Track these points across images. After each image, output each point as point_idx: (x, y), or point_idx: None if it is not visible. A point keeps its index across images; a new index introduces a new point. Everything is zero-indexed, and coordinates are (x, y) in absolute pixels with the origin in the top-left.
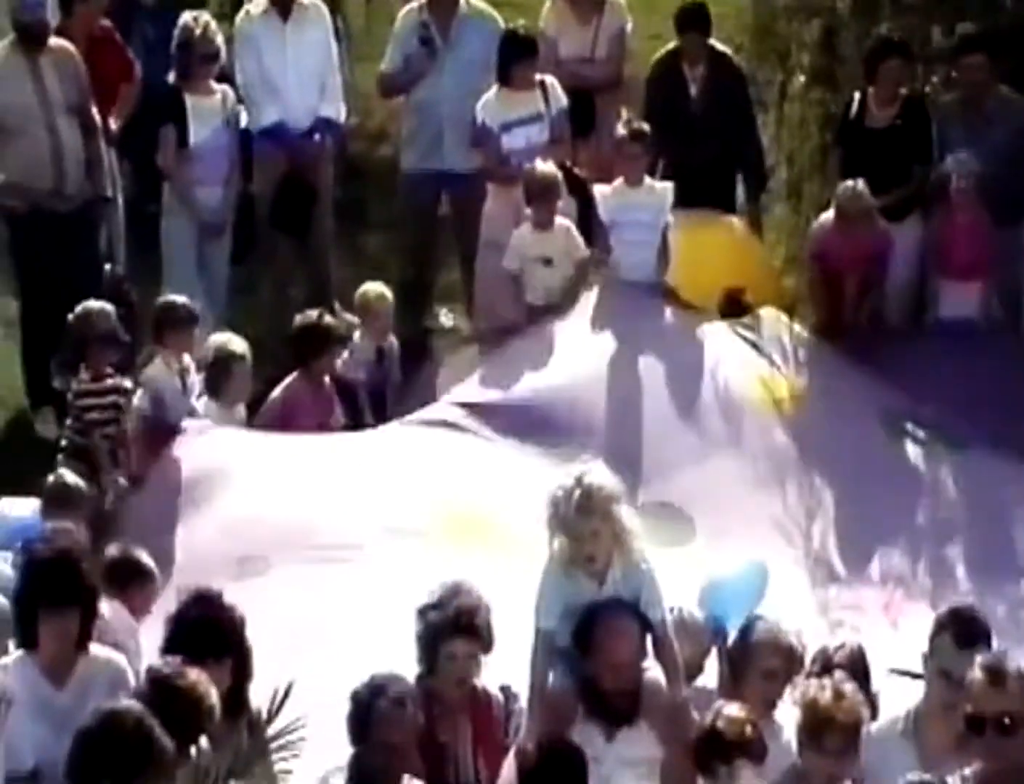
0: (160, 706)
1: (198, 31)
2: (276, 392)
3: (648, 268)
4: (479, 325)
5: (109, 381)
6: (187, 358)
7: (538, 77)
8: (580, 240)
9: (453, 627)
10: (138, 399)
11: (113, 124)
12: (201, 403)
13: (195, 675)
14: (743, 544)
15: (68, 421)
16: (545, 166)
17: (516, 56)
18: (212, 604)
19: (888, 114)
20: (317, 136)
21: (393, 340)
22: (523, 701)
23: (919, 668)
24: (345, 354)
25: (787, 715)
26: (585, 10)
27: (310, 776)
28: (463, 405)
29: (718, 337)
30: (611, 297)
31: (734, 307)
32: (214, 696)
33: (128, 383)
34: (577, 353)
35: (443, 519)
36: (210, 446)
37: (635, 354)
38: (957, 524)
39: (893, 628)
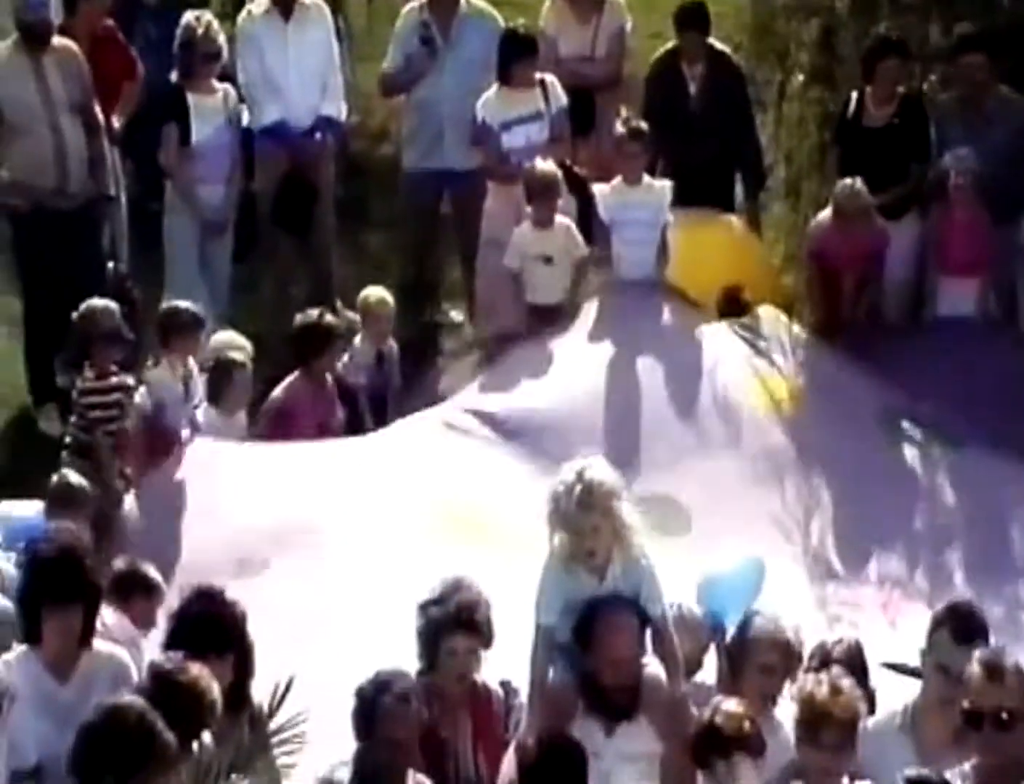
0: (162, 701)
1: (200, 30)
2: (277, 391)
3: (647, 266)
4: (480, 323)
5: (113, 379)
6: (192, 363)
7: (538, 76)
8: (580, 239)
9: (454, 623)
10: (139, 398)
11: (116, 123)
12: (201, 410)
13: (197, 670)
14: (740, 539)
15: (72, 419)
16: (545, 164)
17: (516, 55)
18: (214, 600)
19: (886, 113)
20: (318, 135)
21: (393, 344)
22: (523, 696)
23: (914, 664)
24: (345, 357)
25: (786, 711)
26: (585, 9)
27: (312, 771)
28: (463, 410)
29: (717, 339)
30: (611, 302)
31: (733, 305)
32: (216, 691)
33: (131, 380)
34: (577, 362)
35: (443, 517)
36: (211, 452)
37: (634, 359)
38: (955, 525)
39: (891, 627)
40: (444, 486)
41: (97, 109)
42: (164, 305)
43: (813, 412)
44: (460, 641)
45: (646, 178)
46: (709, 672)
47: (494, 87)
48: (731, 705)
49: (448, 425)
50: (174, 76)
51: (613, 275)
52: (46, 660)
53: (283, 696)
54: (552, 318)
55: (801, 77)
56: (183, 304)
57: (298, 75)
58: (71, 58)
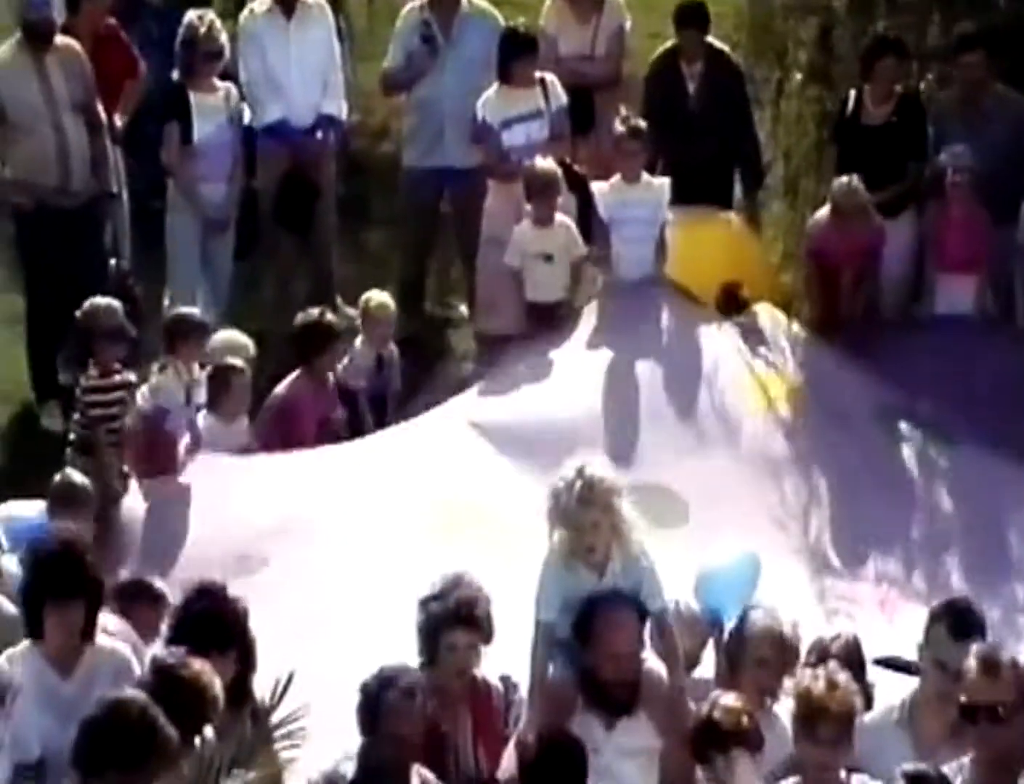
0: (164, 696)
1: (202, 29)
2: (279, 389)
3: (646, 264)
4: (480, 321)
5: (117, 377)
6: (196, 369)
7: (538, 74)
8: (579, 237)
9: (454, 618)
10: (140, 400)
11: (118, 121)
12: (201, 416)
13: (199, 665)
14: (737, 530)
15: (76, 416)
16: (545, 163)
17: (516, 53)
18: (216, 597)
19: (884, 111)
20: (320, 133)
21: (393, 348)
22: (523, 692)
23: (908, 659)
24: (345, 360)
25: (787, 707)
26: (584, 8)
27: (313, 765)
28: (463, 412)
29: (715, 338)
30: (610, 304)
31: (731, 302)
32: (218, 686)
33: (134, 377)
34: (577, 363)
35: (443, 517)
36: (213, 457)
37: (633, 360)
38: (952, 525)
39: (889, 623)
40: (444, 486)
41: (99, 108)
42: (170, 312)
43: (811, 410)
44: (460, 636)
45: (645, 176)
46: (707, 668)
47: (494, 86)
48: (729, 700)
49: (448, 427)
50: (176, 75)
51: (612, 274)
52: (49, 655)
53: (284, 691)
54: (552, 316)
55: (799, 76)
56: (189, 311)
57: (300, 74)
58: (74, 57)
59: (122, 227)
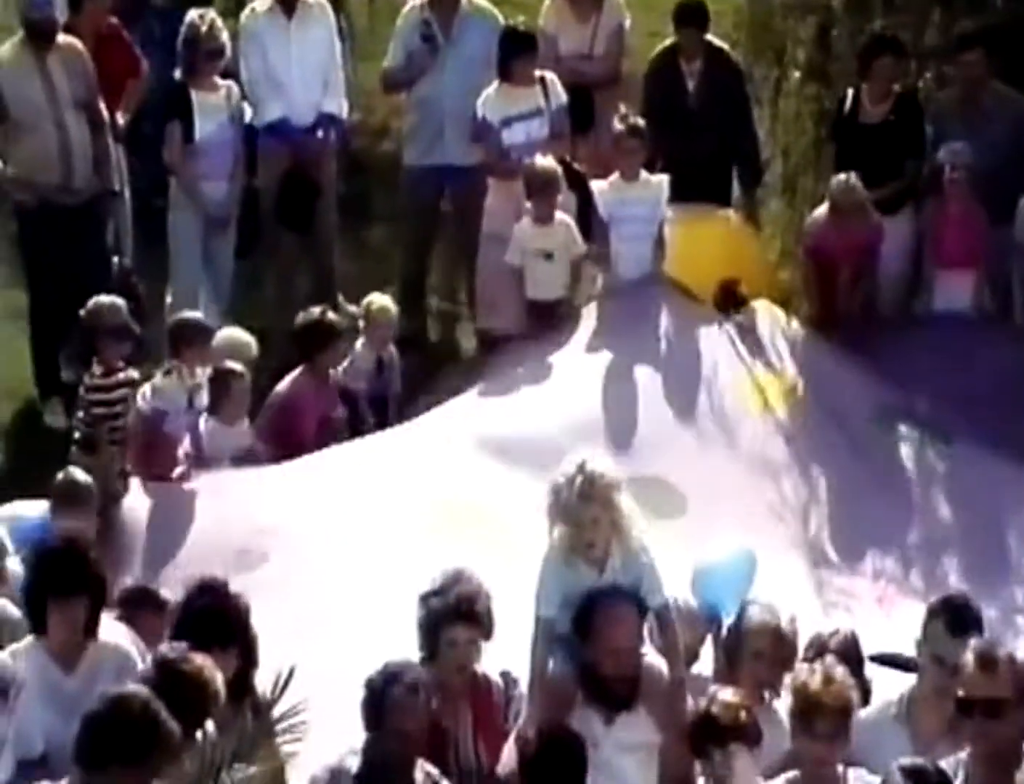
0: (166, 690)
1: (204, 28)
2: (280, 386)
3: (645, 262)
4: (481, 318)
5: (121, 375)
6: (199, 373)
7: (538, 73)
8: (579, 235)
9: (454, 613)
10: (140, 401)
11: (120, 119)
12: (202, 420)
13: (201, 660)
14: (735, 525)
15: (79, 414)
16: (545, 161)
17: (516, 52)
18: (218, 593)
19: (882, 110)
20: (320, 132)
21: (393, 351)
22: (523, 687)
23: (905, 653)
24: (345, 363)
25: (785, 702)
26: (584, 8)
27: (313, 759)
28: (463, 413)
29: (713, 339)
30: (609, 304)
31: (729, 300)
32: (219, 681)
33: (136, 374)
34: (576, 363)
35: (443, 515)
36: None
37: (633, 360)
38: (949, 524)
39: (886, 618)
40: (444, 487)
41: (102, 106)
42: (175, 316)
43: (809, 407)
44: (460, 632)
45: (643, 174)
46: (706, 663)
47: (495, 84)
48: (727, 695)
49: (449, 427)
50: (178, 73)
51: (611, 272)
52: (52, 651)
53: (285, 685)
54: (552, 314)
55: (797, 74)
56: (194, 315)
57: (300, 72)
58: (76, 56)
59: (124, 225)
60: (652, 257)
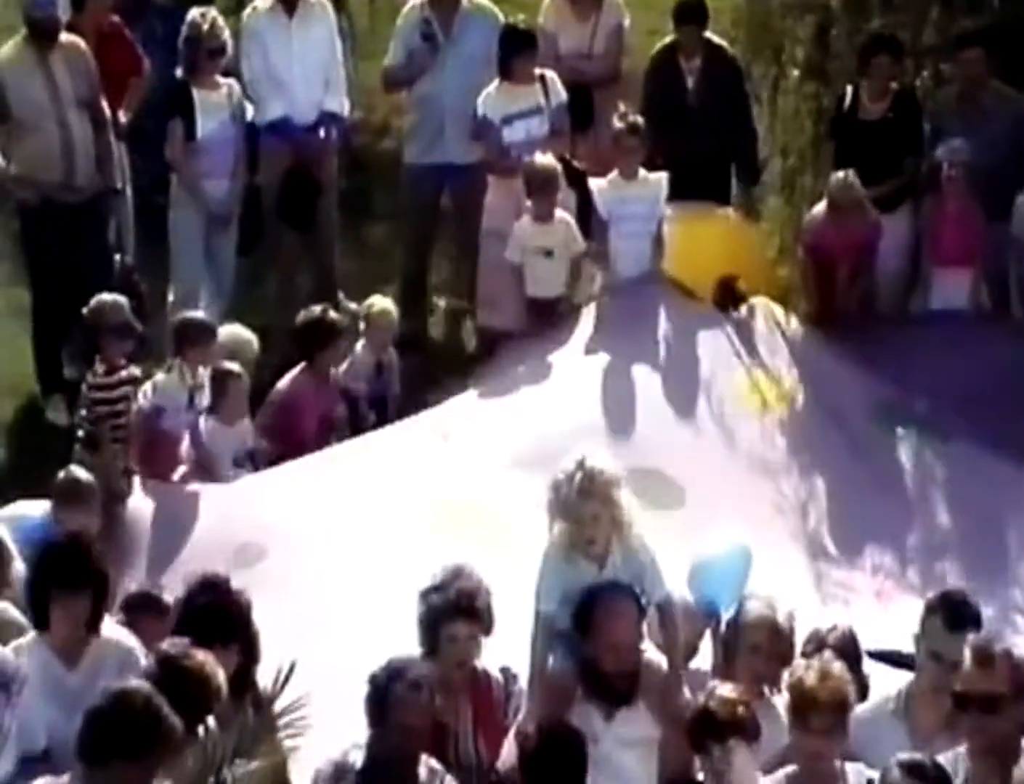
0: (168, 686)
1: (205, 26)
2: (281, 384)
3: (644, 260)
4: (481, 316)
5: (123, 373)
6: (202, 373)
7: (538, 71)
8: (579, 233)
9: (454, 609)
10: (141, 398)
11: (122, 118)
12: (202, 419)
13: (202, 656)
14: (733, 518)
15: (82, 412)
16: (545, 158)
17: (516, 50)
18: (219, 590)
19: (880, 108)
20: (322, 130)
21: (393, 353)
22: (523, 682)
23: (902, 649)
24: (345, 364)
25: (784, 698)
26: (583, 6)
27: (314, 753)
28: (463, 412)
29: (712, 336)
30: (609, 303)
31: (728, 297)
32: (221, 676)
33: (139, 372)
34: (575, 363)
35: (443, 514)
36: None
37: (632, 359)
38: (947, 523)
39: (884, 612)
40: (444, 487)
41: (104, 104)
42: (179, 315)
43: (807, 404)
44: (460, 628)
45: (642, 172)
46: (704, 658)
47: (495, 82)
48: (726, 690)
49: (447, 427)
50: (179, 72)
51: (611, 270)
52: (55, 646)
53: (286, 680)
54: (552, 311)
55: (796, 72)
56: (198, 315)
57: (302, 71)
58: (78, 55)
59: (126, 223)
60: (651, 255)
